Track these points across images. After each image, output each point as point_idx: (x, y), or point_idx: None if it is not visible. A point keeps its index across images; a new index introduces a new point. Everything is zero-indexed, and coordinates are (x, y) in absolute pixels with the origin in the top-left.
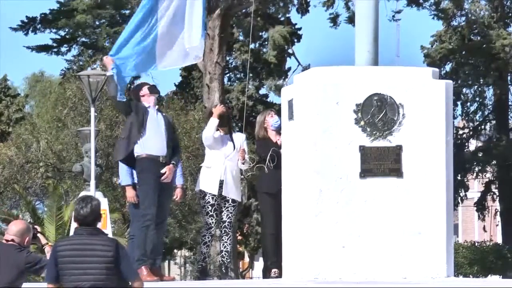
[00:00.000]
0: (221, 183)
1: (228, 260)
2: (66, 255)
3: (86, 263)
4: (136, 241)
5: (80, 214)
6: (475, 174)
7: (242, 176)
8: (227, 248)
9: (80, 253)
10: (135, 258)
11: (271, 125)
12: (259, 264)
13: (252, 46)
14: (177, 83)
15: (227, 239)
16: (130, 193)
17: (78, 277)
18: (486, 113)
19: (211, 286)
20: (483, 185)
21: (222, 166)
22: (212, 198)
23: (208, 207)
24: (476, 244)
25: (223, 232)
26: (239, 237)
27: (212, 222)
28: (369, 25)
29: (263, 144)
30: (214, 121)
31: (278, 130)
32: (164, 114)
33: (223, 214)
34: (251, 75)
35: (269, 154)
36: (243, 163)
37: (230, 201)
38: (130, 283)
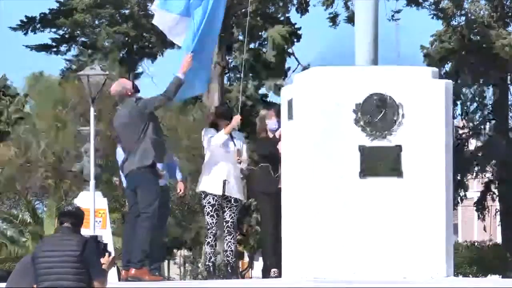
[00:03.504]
0: (224, 183)
1: (233, 260)
2: (40, 255)
3: (55, 262)
4: (140, 242)
5: (62, 211)
6: (474, 174)
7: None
8: (231, 248)
9: (50, 253)
10: (137, 258)
11: (270, 127)
12: (258, 264)
13: (252, 45)
14: None
15: (231, 239)
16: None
17: (48, 277)
18: (485, 113)
19: (212, 286)
20: (483, 185)
21: (224, 166)
22: (213, 198)
23: (208, 207)
24: (476, 244)
25: (226, 232)
26: (239, 237)
27: (213, 222)
28: (369, 25)
29: (263, 143)
30: (224, 137)
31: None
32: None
33: (225, 214)
34: (251, 75)
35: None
36: (239, 163)
37: (232, 201)
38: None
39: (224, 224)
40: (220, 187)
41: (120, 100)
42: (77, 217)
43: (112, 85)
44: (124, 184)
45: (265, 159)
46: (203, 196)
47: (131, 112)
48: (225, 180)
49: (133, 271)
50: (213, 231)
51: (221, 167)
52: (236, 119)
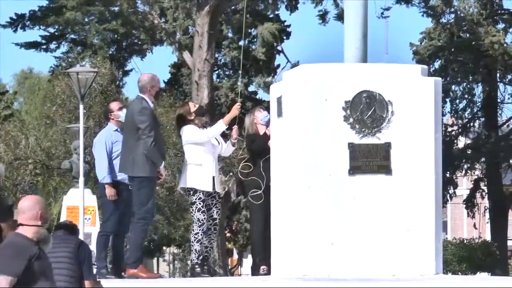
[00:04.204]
0: (213, 179)
1: (210, 255)
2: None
3: (51, 262)
4: (135, 242)
5: (56, 224)
6: (464, 171)
7: (231, 173)
8: (212, 245)
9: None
10: (131, 260)
11: (260, 119)
12: (247, 261)
13: (241, 43)
14: (166, 80)
15: (214, 236)
16: (112, 192)
17: None
18: (475, 110)
19: (207, 285)
20: (472, 182)
21: (212, 162)
22: (203, 194)
23: (199, 203)
24: (465, 241)
25: (213, 229)
26: (228, 234)
27: (204, 218)
28: (358, 22)
29: (253, 139)
30: (223, 127)
31: (267, 125)
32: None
33: (212, 211)
34: (240, 72)
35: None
36: (233, 143)
37: (216, 197)
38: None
39: (212, 221)
40: (210, 184)
41: (140, 90)
42: (69, 227)
43: (147, 75)
44: (102, 180)
45: (257, 155)
46: (191, 192)
47: (134, 112)
48: (213, 176)
49: (130, 271)
50: (204, 228)
51: (210, 164)
52: (237, 107)
